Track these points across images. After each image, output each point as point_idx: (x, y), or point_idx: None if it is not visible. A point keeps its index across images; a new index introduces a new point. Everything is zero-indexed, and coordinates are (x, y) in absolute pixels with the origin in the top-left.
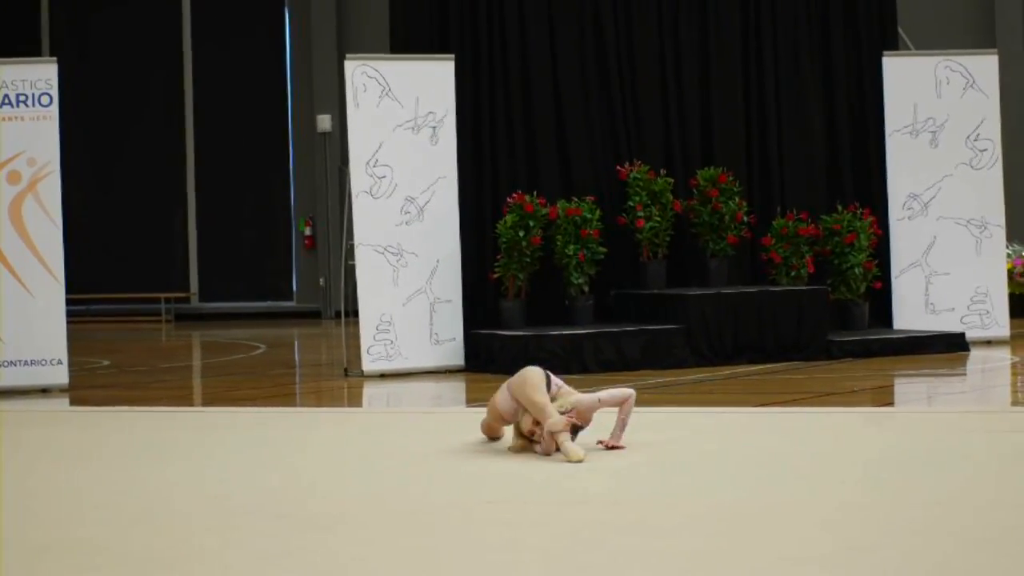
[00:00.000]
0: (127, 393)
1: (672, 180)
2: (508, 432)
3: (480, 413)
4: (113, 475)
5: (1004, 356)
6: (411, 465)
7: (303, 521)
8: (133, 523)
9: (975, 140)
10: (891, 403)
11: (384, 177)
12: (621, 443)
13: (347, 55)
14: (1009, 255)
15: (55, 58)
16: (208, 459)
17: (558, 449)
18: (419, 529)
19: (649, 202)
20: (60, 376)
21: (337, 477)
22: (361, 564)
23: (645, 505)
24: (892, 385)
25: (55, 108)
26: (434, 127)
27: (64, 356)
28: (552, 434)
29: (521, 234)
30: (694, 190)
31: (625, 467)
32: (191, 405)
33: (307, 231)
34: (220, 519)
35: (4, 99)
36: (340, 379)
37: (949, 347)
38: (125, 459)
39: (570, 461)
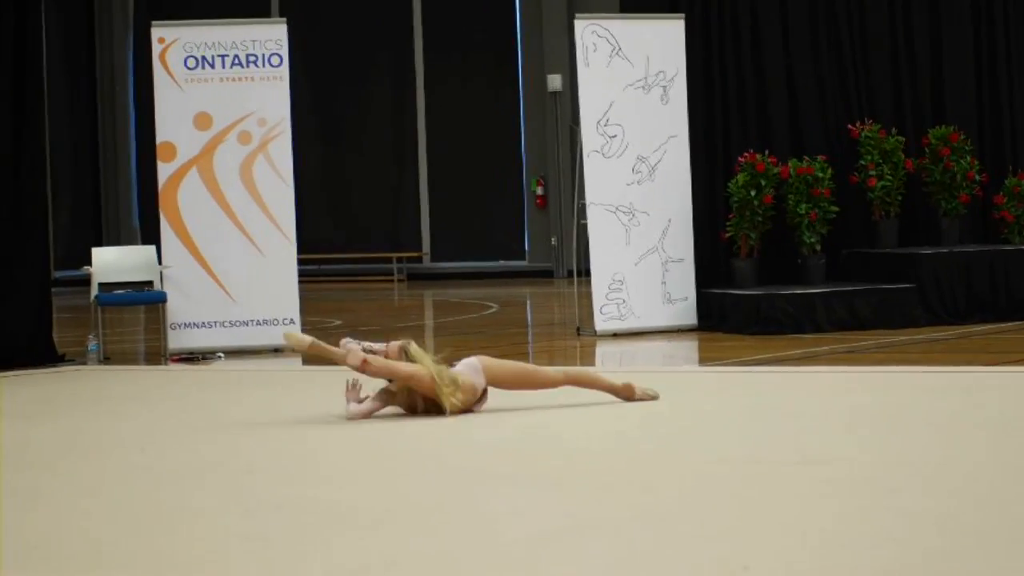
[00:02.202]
0: None
1: (903, 139)
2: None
3: (708, 375)
4: (345, 435)
5: None
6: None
7: (533, 477)
8: (367, 483)
9: None
10: None
11: (615, 136)
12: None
13: (577, 14)
14: None
15: (285, 19)
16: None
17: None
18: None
19: (881, 161)
20: None
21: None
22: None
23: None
24: None
25: (285, 69)
26: (664, 86)
27: (296, 316)
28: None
29: (753, 193)
30: (925, 149)
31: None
32: None
33: (539, 190)
34: (446, 478)
35: (235, 60)
36: (573, 338)
37: None
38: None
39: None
